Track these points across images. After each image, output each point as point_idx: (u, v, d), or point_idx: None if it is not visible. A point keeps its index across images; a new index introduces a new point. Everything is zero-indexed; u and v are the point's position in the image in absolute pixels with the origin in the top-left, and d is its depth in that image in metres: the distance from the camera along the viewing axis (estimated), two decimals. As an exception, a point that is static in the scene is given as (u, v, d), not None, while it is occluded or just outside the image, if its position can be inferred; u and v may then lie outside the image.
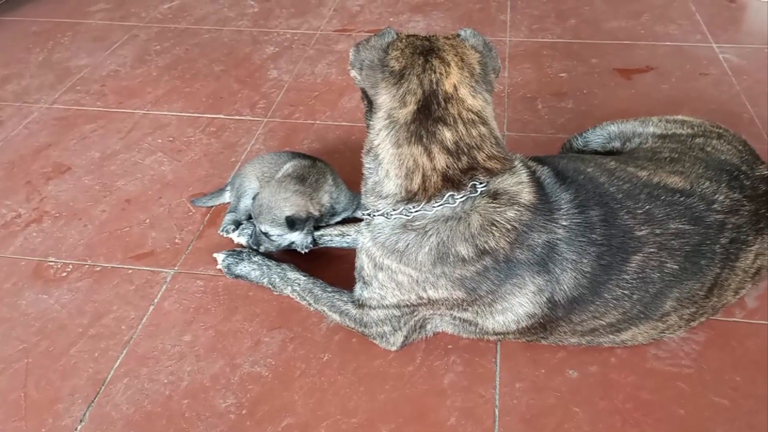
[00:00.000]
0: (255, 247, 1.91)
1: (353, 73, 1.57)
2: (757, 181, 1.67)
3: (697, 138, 1.80)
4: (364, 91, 1.56)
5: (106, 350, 1.74)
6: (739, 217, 1.57)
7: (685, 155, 1.71)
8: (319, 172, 1.94)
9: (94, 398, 1.62)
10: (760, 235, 1.61)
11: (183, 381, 1.65)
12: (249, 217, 2.03)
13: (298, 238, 1.92)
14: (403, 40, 1.53)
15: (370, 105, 1.54)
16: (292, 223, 1.82)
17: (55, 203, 2.27)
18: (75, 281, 1.95)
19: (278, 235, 1.86)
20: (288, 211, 1.82)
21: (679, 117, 1.96)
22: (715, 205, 1.56)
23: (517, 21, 3.38)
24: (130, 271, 1.98)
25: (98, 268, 1.99)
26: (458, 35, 1.57)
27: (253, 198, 1.91)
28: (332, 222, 2.00)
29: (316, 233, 1.98)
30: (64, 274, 1.98)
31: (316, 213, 1.88)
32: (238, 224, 2.03)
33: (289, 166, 1.97)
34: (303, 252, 1.95)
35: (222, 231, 2.03)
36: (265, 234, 1.86)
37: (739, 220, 1.57)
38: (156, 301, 1.87)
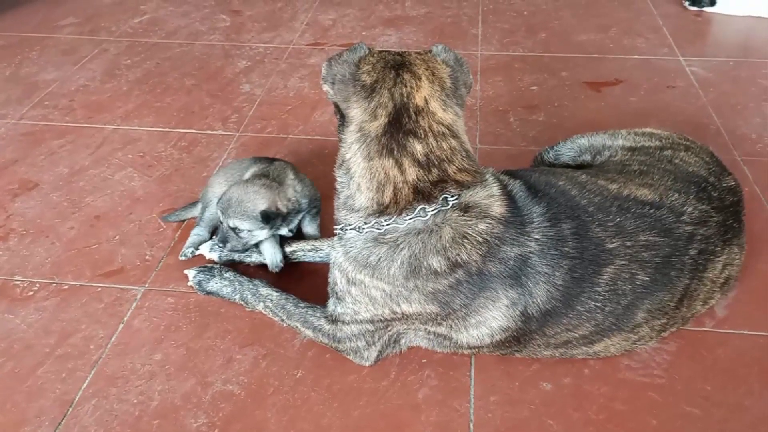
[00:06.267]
0: (221, 245, 1.88)
1: (325, 87, 1.57)
2: (725, 192, 1.70)
3: (666, 150, 1.83)
4: (336, 106, 1.56)
5: (73, 370, 1.70)
6: (708, 228, 1.59)
7: (654, 168, 1.73)
8: (279, 168, 1.95)
9: (62, 420, 1.58)
10: (728, 245, 1.64)
11: (153, 401, 1.62)
12: (214, 232, 2.01)
13: (268, 253, 1.91)
14: (375, 55, 1.53)
15: (342, 119, 1.54)
16: (267, 217, 1.81)
17: (21, 220, 2.23)
18: (42, 300, 1.91)
19: (248, 231, 1.84)
20: (262, 205, 1.81)
21: (648, 129, 1.99)
22: (684, 217, 1.58)
23: (488, 35, 3.42)
24: (99, 289, 1.94)
25: (66, 287, 1.95)
26: (430, 51, 1.59)
27: (220, 198, 1.89)
28: (294, 223, 1.97)
29: (289, 249, 1.96)
30: (31, 293, 1.94)
31: (284, 209, 1.86)
32: (197, 246, 2.01)
33: (252, 170, 1.98)
34: (275, 271, 1.93)
35: (181, 256, 1.99)
36: (234, 230, 1.84)
37: (708, 231, 1.59)
38: (126, 319, 1.84)
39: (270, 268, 1.93)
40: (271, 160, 2.02)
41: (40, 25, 3.66)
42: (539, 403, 1.58)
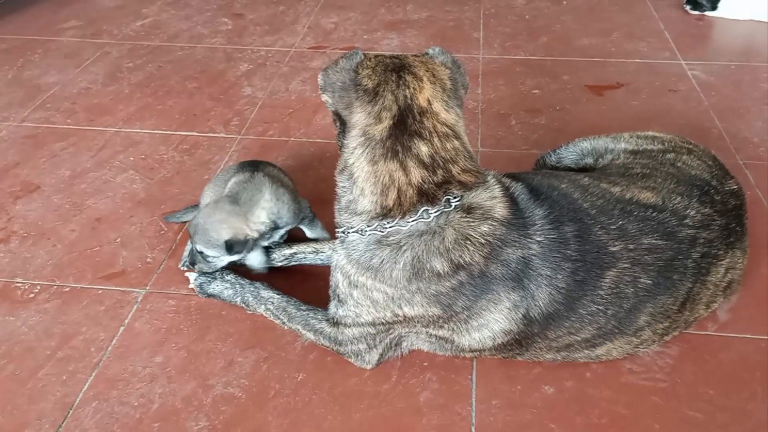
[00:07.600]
0: (190, 266, 1.87)
1: (325, 97, 1.56)
2: (727, 195, 1.70)
3: (668, 153, 1.83)
4: (336, 114, 1.56)
5: (74, 373, 1.70)
6: (710, 231, 1.59)
7: (657, 171, 1.73)
8: (255, 186, 1.85)
9: (62, 422, 1.58)
10: (731, 249, 1.64)
11: (154, 403, 1.61)
12: None
13: (255, 261, 1.91)
14: (372, 60, 1.53)
15: (342, 126, 1.54)
16: (230, 247, 1.77)
17: (23, 223, 2.22)
18: (43, 302, 1.91)
19: (214, 257, 1.82)
20: (226, 234, 1.76)
21: (650, 133, 1.98)
22: (686, 220, 1.57)
23: (490, 38, 3.42)
24: (100, 292, 1.94)
25: (67, 289, 1.95)
26: (426, 53, 1.59)
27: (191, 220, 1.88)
28: (276, 236, 1.94)
29: (290, 251, 1.96)
30: (32, 295, 1.93)
31: (254, 234, 1.81)
32: None
33: (231, 184, 1.91)
34: (262, 272, 1.94)
35: (182, 265, 1.98)
36: (201, 254, 1.82)
37: (710, 235, 1.59)
38: (127, 321, 1.84)
39: (255, 272, 1.93)
40: (255, 167, 1.94)
41: (42, 29, 3.67)
42: (541, 406, 1.58)
